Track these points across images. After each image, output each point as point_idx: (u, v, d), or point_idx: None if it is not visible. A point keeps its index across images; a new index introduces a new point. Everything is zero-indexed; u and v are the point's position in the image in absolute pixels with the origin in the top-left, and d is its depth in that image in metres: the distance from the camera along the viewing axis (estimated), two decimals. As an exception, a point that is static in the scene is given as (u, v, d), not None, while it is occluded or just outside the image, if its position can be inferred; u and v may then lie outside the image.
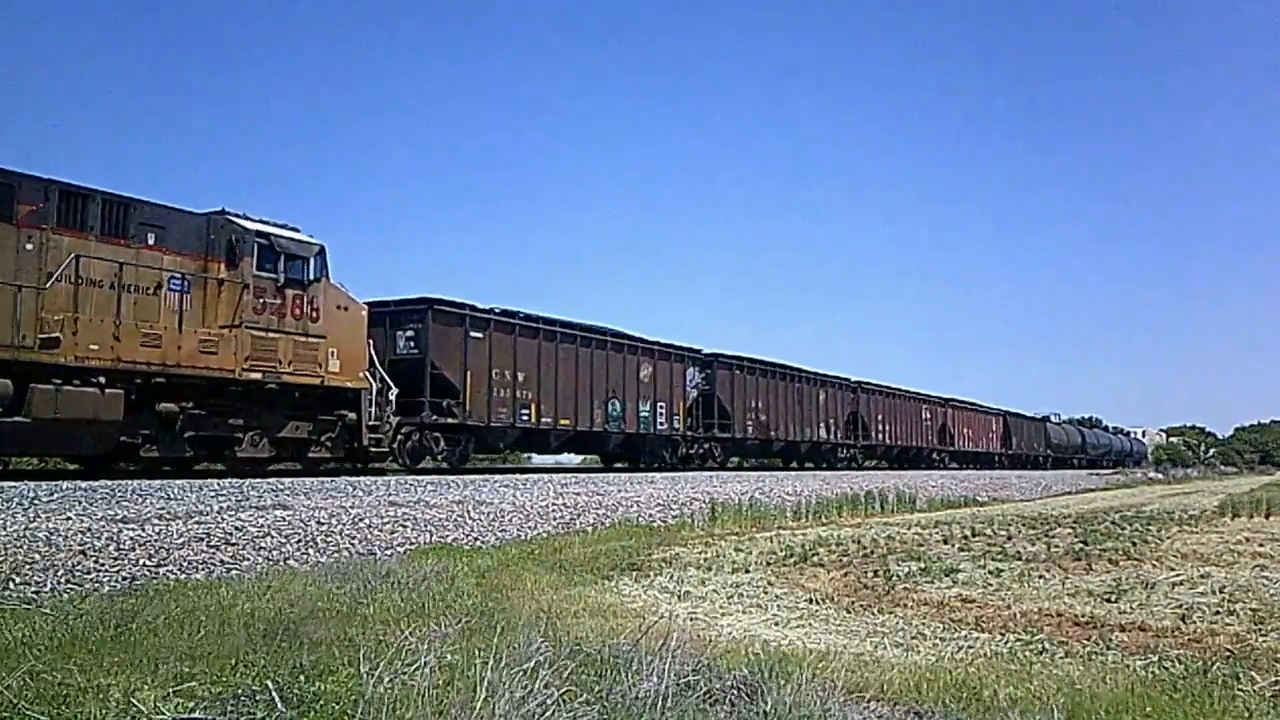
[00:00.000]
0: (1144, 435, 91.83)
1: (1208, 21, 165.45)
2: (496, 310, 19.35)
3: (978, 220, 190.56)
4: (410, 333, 17.49)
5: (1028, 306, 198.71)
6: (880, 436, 36.40)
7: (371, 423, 15.11)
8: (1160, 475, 48.91)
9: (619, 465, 24.98)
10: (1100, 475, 44.39)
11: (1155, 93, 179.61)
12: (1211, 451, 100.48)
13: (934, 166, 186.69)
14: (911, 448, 39.11)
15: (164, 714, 3.15)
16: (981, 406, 47.36)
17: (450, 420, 17.72)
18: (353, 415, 14.86)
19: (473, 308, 18.70)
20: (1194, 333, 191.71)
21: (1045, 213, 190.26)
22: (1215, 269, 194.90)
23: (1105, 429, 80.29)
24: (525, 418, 19.57)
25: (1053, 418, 60.80)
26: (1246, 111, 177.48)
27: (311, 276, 14.17)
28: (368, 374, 15.17)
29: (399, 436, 16.65)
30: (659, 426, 24.09)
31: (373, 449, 15.36)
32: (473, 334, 18.43)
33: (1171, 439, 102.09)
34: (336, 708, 3.21)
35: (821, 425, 32.38)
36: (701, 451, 26.30)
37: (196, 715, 3.16)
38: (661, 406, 24.19)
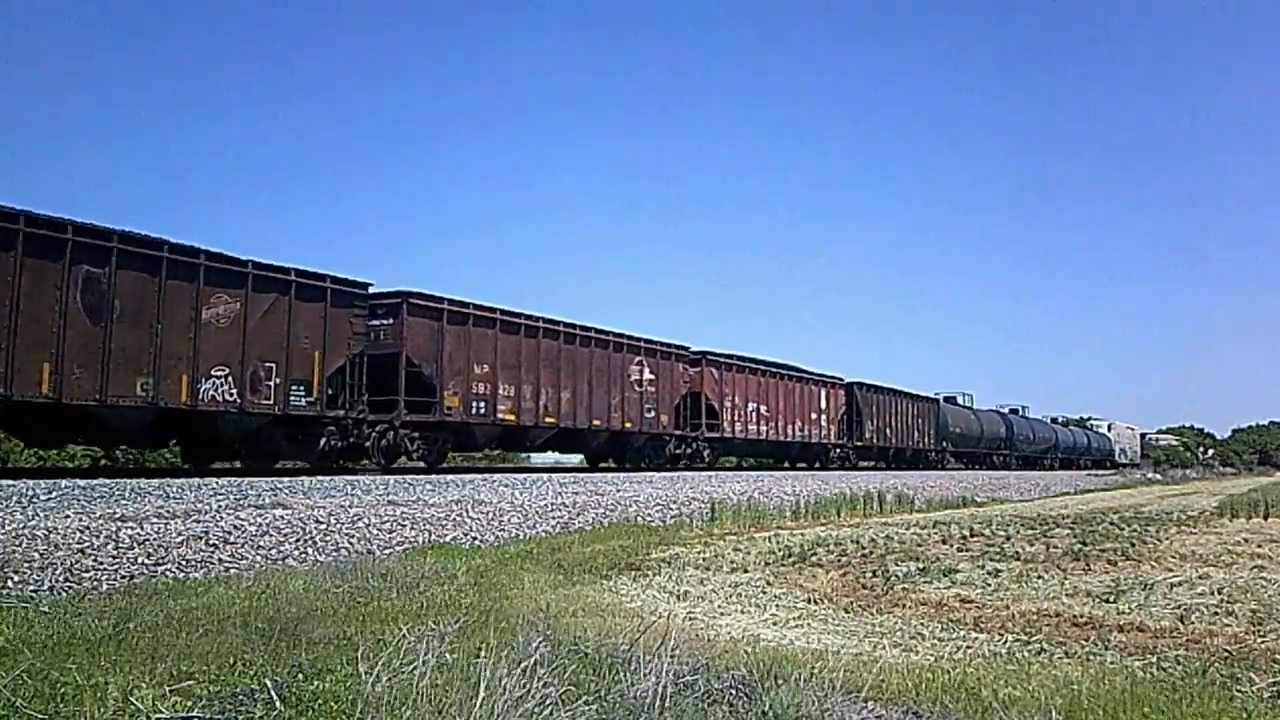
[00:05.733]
0: (1109, 429, 71.75)
1: (1207, 20, 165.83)
2: (738, 357, 26.92)
3: (976, 219, 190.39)
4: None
5: (1026, 307, 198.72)
6: (502, 409, 18.41)
7: None
8: (1159, 476, 48.97)
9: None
10: (1099, 475, 44.42)
11: (1156, 89, 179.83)
12: (1210, 452, 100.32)
13: (931, 166, 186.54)
14: (601, 430, 21.35)
15: (162, 713, 3.14)
16: (800, 372, 30.37)
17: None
18: None
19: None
20: (1193, 333, 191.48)
21: (1043, 211, 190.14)
22: (1215, 270, 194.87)
23: (1081, 424, 73.44)
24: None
25: (960, 398, 44.30)
26: (1247, 109, 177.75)
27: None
28: None
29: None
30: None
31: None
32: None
33: (1156, 437, 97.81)
34: (335, 707, 3.20)
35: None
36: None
37: (195, 714, 3.16)
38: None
